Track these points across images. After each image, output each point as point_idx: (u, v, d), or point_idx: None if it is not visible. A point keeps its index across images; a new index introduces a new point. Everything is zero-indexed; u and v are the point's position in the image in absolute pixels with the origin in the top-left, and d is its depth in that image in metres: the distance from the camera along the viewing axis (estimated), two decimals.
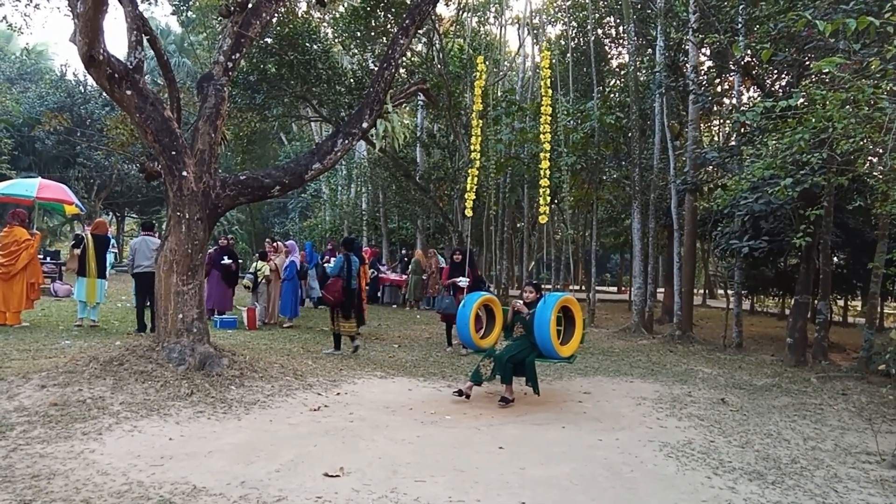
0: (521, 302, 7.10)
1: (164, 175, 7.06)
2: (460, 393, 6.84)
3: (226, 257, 12.28)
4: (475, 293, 8.07)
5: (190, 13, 21.81)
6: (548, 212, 7.88)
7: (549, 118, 7.88)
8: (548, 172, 7.71)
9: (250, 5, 7.66)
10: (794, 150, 6.29)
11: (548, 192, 7.80)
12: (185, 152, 6.94)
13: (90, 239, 10.19)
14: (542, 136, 7.88)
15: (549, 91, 7.92)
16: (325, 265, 11.70)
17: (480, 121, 8.63)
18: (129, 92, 6.74)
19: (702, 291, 28.58)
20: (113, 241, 15.83)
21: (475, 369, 6.93)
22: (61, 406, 5.31)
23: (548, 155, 7.75)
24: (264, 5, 7.67)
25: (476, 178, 8.29)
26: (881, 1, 6.78)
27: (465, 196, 8.35)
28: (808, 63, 10.58)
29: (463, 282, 9.44)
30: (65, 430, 4.81)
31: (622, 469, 4.79)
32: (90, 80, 25.75)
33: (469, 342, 7.59)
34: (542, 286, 7.86)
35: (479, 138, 8.50)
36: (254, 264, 12.41)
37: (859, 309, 19.74)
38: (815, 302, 11.44)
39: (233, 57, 7.58)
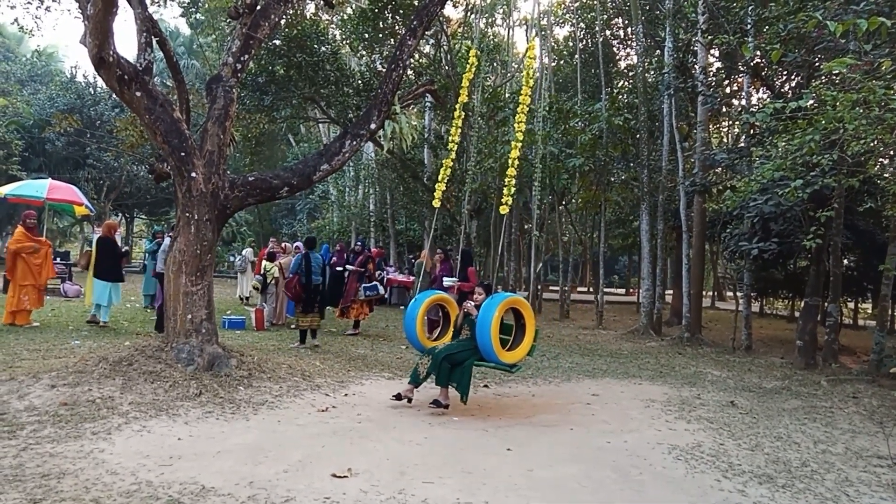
0: (472, 303, 6.55)
1: (174, 176, 7.09)
2: (399, 397, 6.42)
3: None
4: (428, 291, 7.68)
5: (199, 15, 21.93)
6: (510, 203, 7.65)
7: (527, 108, 7.79)
8: (516, 162, 7.59)
9: (259, 7, 7.68)
10: (804, 151, 6.25)
11: (513, 182, 7.64)
12: (194, 153, 6.97)
13: (95, 241, 10.30)
14: (516, 125, 7.80)
15: (531, 81, 7.83)
16: (337, 267, 11.68)
17: (463, 113, 8.48)
18: (138, 93, 6.77)
19: (710, 293, 28.45)
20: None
21: (413, 368, 6.53)
22: (71, 406, 5.34)
23: (519, 145, 7.65)
24: (273, 7, 7.70)
25: (449, 170, 8.14)
26: (892, 1, 6.74)
27: (436, 187, 8.22)
28: (818, 64, 10.52)
29: (449, 281, 9.46)
30: (74, 430, 4.83)
31: (631, 471, 4.78)
32: (100, 82, 25.89)
33: (415, 342, 7.08)
34: (546, 286, 7.79)
35: (459, 130, 8.41)
36: (262, 265, 12.42)
37: (870, 311, 19.61)
38: (826, 304, 11.37)
39: (241, 58, 7.61)
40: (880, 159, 8.93)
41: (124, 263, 10.89)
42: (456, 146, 8.39)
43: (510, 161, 7.53)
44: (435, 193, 8.22)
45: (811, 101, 6.13)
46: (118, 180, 27.83)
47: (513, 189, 7.57)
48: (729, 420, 6.58)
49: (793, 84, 13.32)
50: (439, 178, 8.19)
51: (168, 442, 4.78)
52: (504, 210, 7.37)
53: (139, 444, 4.66)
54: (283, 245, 13.05)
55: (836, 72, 5.13)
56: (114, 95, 13.67)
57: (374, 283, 11.38)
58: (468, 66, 8.57)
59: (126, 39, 56.48)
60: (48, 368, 6.25)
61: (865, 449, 5.76)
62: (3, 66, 30.85)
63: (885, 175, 9.16)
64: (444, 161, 8.28)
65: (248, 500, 3.83)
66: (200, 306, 6.87)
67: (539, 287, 19.65)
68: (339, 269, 11.54)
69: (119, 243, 10.75)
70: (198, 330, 6.79)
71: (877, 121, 5.44)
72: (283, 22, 13.75)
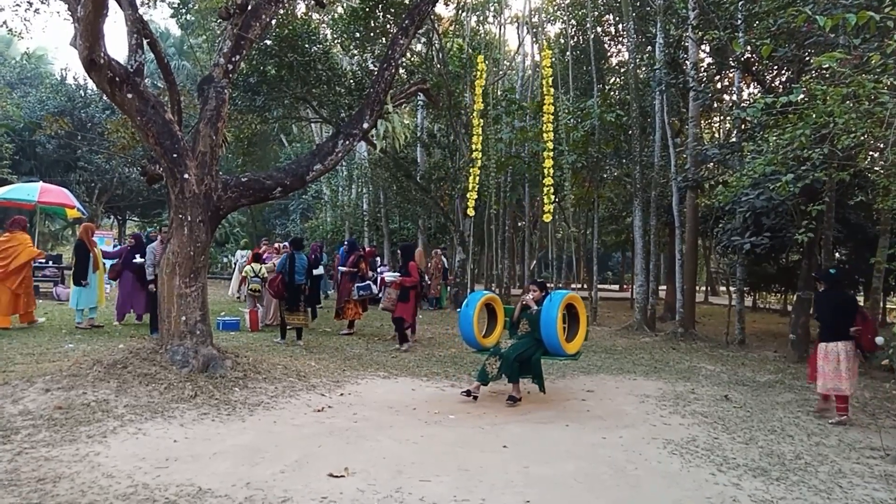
0: (531, 297, 7.09)
1: (166, 178, 7.07)
2: (468, 393, 6.84)
3: (138, 255, 10.75)
4: (478, 293, 8.06)
5: (189, 16, 21.81)
6: (552, 210, 7.89)
7: (552, 117, 7.90)
8: (551, 171, 7.74)
9: (250, 7, 7.67)
10: (794, 145, 6.28)
11: (551, 190, 7.82)
12: (186, 155, 6.95)
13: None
14: (544, 134, 7.92)
15: (551, 90, 7.94)
16: (341, 268, 11.67)
17: (481, 120, 8.66)
18: (129, 95, 6.76)
19: (704, 288, 28.56)
20: (102, 242, 15.63)
21: (481, 368, 6.93)
22: (66, 409, 5.32)
23: (551, 154, 7.79)
24: (264, 7, 7.68)
25: (478, 178, 8.31)
26: None
27: (468, 196, 8.37)
28: (808, 59, 10.57)
29: (389, 276, 9.64)
30: (69, 434, 4.82)
31: (626, 467, 4.80)
32: (90, 84, 25.75)
33: (473, 342, 7.57)
34: (547, 284, 7.88)
35: (480, 137, 8.52)
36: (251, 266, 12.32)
37: (862, 304, 19.72)
38: None
39: (233, 59, 7.59)
40: (870, 153, 8.97)
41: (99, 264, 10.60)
42: (480, 154, 8.50)
43: (545, 171, 7.72)
44: (468, 203, 8.50)
45: (801, 96, 6.16)
46: (110, 183, 27.68)
47: (552, 197, 7.80)
48: (723, 414, 6.62)
49: (783, 79, 13.37)
50: (470, 186, 8.34)
51: (164, 444, 4.78)
52: (547, 218, 7.89)
53: (135, 447, 4.66)
54: (276, 246, 13.00)
55: (826, 66, 5.15)
56: (105, 97, 13.61)
57: (367, 282, 11.32)
58: (477, 72, 8.63)
59: (116, 41, 56.22)
60: (42, 372, 6.23)
61: (858, 441, 5.80)
62: None
63: (876, 168, 9.20)
64: (471, 170, 8.40)
65: (245, 501, 3.83)
66: (194, 308, 6.86)
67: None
68: (314, 270, 11.39)
69: (90, 244, 10.52)
70: (192, 332, 6.79)
71: (866, 114, 5.47)
72: (274, 22, 13.72)
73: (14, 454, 4.33)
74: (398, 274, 9.81)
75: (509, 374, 6.77)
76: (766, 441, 5.65)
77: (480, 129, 8.66)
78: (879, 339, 6.62)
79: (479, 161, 8.51)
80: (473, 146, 8.52)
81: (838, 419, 6.51)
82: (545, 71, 8.08)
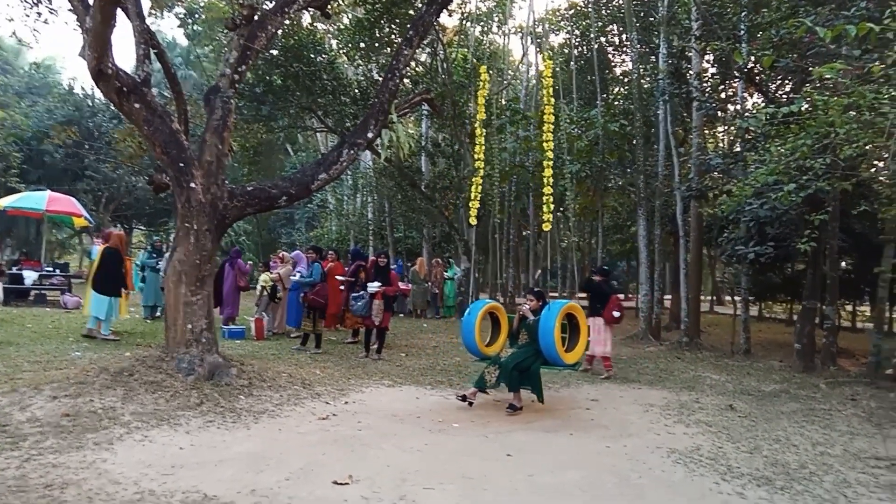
0: (528, 307, 7.11)
1: (173, 187, 7.13)
2: (464, 398, 6.87)
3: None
4: (481, 301, 8.09)
5: (196, 26, 22.04)
6: (552, 220, 7.93)
7: (552, 127, 7.94)
8: (551, 181, 7.78)
9: (256, 18, 7.75)
10: (797, 155, 6.30)
11: (551, 200, 7.85)
12: (192, 164, 7.01)
13: (98, 252, 10.21)
14: (544, 144, 7.95)
15: (552, 100, 7.99)
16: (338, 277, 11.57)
17: (484, 130, 8.72)
18: (137, 105, 6.83)
19: (709, 298, 28.49)
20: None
21: (479, 375, 6.96)
22: (73, 416, 5.36)
23: (551, 163, 7.83)
24: (270, 18, 7.77)
25: (480, 187, 8.34)
26: (882, 7, 6.82)
27: (470, 205, 8.41)
28: (810, 69, 10.60)
29: (373, 287, 9.61)
30: (76, 441, 4.85)
31: (630, 476, 4.80)
32: (98, 94, 25.99)
33: (475, 350, 7.60)
34: (547, 294, 7.91)
35: (483, 147, 8.57)
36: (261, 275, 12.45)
37: (868, 314, 19.64)
38: (823, 307, 11.41)
39: (239, 69, 7.67)
40: (873, 162, 8.98)
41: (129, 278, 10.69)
42: (483, 163, 8.55)
43: (545, 180, 7.76)
44: (470, 212, 8.49)
45: (804, 106, 6.19)
46: (117, 191, 27.86)
47: (551, 206, 7.84)
48: (728, 423, 6.61)
49: (786, 89, 13.41)
50: (472, 196, 8.38)
51: (170, 451, 4.81)
52: (547, 227, 7.94)
53: (141, 454, 4.68)
54: (280, 254, 13.06)
55: (828, 77, 5.19)
56: (112, 107, 13.74)
57: (361, 292, 10.08)
58: (480, 83, 8.70)
59: (124, 51, 56.72)
60: (49, 380, 6.27)
61: (864, 450, 5.78)
62: (1, 79, 30.93)
63: (880, 178, 9.22)
64: (473, 179, 8.45)
65: None
66: (200, 316, 6.91)
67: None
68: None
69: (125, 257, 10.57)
70: (198, 339, 6.83)
71: (868, 125, 5.50)
72: (279, 32, 13.84)
73: (22, 461, 4.36)
74: (379, 284, 9.71)
75: (508, 382, 6.78)
76: (771, 450, 5.64)
77: (483, 138, 8.72)
78: (616, 313, 9.32)
79: (483, 170, 8.56)
80: (476, 156, 8.57)
81: (607, 374, 9.20)
82: (546, 81, 8.13)
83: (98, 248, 10.36)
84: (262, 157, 25.67)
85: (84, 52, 6.39)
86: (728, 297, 29.90)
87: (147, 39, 7.16)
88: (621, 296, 13.91)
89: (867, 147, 6.17)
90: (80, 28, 6.63)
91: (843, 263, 13.94)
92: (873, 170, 9.36)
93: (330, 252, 12.13)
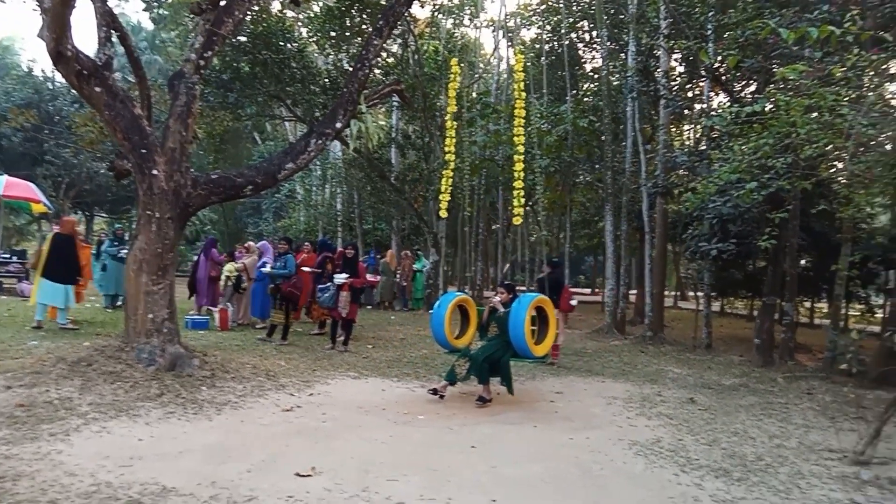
0: (499, 299, 7.15)
1: (135, 173, 6.98)
2: (434, 392, 6.88)
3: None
4: (451, 293, 8.10)
5: (161, 10, 21.55)
6: (522, 213, 7.96)
7: (524, 121, 7.97)
8: (522, 175, 7.81)
9: (223, 3, 7.59)
10: (759, 154, 6.42)
11: (522, 193, 7.89)
12: (155, 150, 6.86)
13: (49, 239, 9.96)
14: (515, 138, 7.98)
15: (523, 94, 8.01)
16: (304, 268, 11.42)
17: (455, 122, 8.70)
18: (98, 89, 6.66)
19: (673, 293, 28.94)
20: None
21: (450, 368, 6.98)
22: (28, 407, 5.22)
23: (522, 157, 7.86)
24: (237, 3, 7.62)
25: (450, 180, 8.34)
26: (843, 11, 6.97)
27: (440, 197, 8.41)
28: (773, 70, 10.81)
29: (340, 278, 9.57)
30: (31, 432, 4.72)
31: (592, 467, 4.87)
32: (58, 76, 25.22)
33: (444, 342, 7.61)
34: (517, 287, 7.95)
35: (454, 140, 8.56)
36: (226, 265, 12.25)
37: (825, 311, 20.17)
38: (782, 304, 11.68)
39: (205, 55, 7.51)
40: (832, 163, 9.21)
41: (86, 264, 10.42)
42: (453, 156, 8.51)
43: (516, 174, 7.76)
44: (440, 205, 8.49)
45: (767, 106, 6.31)
46: (77, 177, 27.13)
47: (522, 200, 7.83)
48: (688, 416, 6.74)
49: (751, 89, 13.65)
50: (442, 188, 8.35)
51: (128, 443, 4.71)
52: (517, 221, 8.14)
53: (98, 446, 4.59)
54: (246, 245, 12.89)
55: (791, 78, 5.29)
56: (73, 90, 13.36)
57: (328, 284, 10.00)
58: (451, 75, 8.66)
59: (86, 33, 55.12)
60: (3, 369, 6.10)
61: (818, 443, 5.95)
62: None
63: (838, 178, 9.45)
64: (444, 172, 8.42)
65: (209, 499, 3.81)
66: (162, 305, 6.78)
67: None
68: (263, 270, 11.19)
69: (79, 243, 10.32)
70: (159, 330, 6.70)
71: (827, 126, 5.63)
72: (248, 18, 13.59)
73: None
74: (346, 275, 9.64)
75: (478, 375, 6.82)
76: (729, 443, 5.77)
77: (454, 131, 8.72)
78: (573, 301, 9.83)
79: (453, 163, 8.55)
80: (447, 148, 8.56)
81: (551, 361, 9.31)
82: (517, 75, 8.16)
83: (48, 235, 10.07)
84: (228, 145, 25.30)
85: (42, 33, 6.20)
86: (691, 293, 30.44)
87: (109, 22, 6.98)
88: (587, 290, 14.10)
89: (827, 147, 6.30)
90: (39, 8, 6.41)
91: (802, 261, 14.23)
92: (832, 170, 9.57)
93: (306, 244, 12.02)
